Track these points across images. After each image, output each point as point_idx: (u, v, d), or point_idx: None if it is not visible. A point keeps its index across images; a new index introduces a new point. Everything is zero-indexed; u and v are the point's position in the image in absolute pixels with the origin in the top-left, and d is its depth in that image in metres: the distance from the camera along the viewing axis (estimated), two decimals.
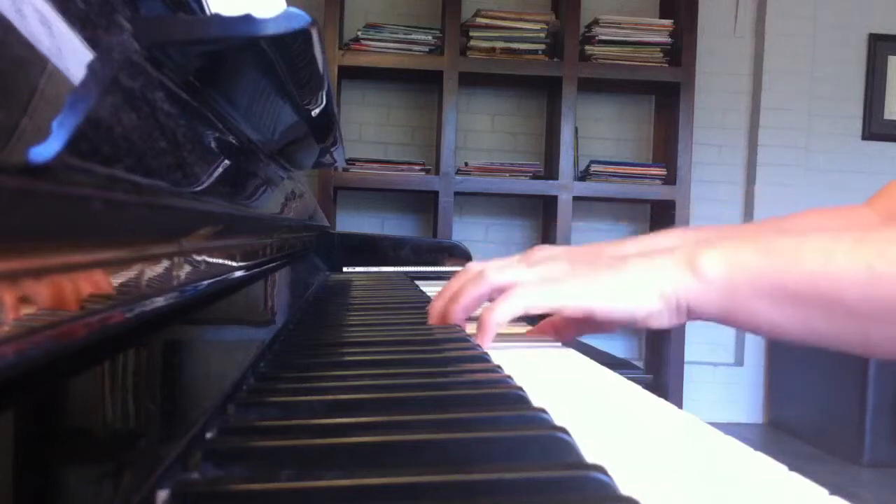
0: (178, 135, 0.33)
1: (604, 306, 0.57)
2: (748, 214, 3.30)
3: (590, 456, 0.29)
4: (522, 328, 0.74)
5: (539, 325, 0.71)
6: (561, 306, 0.58)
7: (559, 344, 0.67)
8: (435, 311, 0.67)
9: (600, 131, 3.30)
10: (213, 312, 0.39)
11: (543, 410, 0.34)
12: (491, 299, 0.63)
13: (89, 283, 0.21)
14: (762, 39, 3.27)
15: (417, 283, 1.22)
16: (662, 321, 0.57)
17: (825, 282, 0.51)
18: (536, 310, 0.59)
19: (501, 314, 0.58)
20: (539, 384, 0.45)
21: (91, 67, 0.24)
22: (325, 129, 0.85)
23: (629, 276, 0.58)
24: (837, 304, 0.51)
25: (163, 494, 0.26)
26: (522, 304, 0.58)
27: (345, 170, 2.89)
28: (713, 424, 0.38)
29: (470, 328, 0.64)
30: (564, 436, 0.30)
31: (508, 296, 0.59)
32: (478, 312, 0.64)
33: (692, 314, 0.57)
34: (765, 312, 0.54)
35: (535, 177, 3.03)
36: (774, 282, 0.53)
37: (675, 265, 0.56)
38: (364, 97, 3.22)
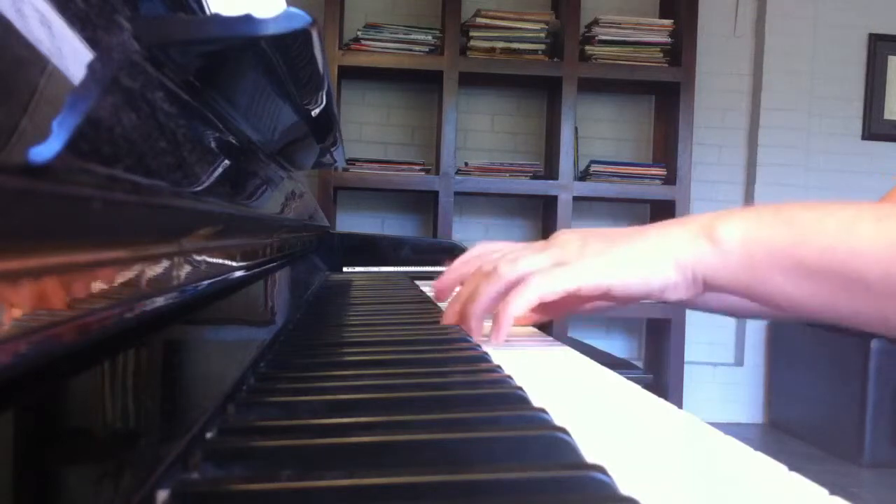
0: (178, 135, 0.33)
1: (619, 280, 0.55)
2: None
3: (590, 456, 0.29)
4: (523, 328, 0.74)
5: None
6: (576, 288, 0.56)
7: (559, 344, 0.67)
8: (451, 311, 0.66)
9: (600, 131, 3.30)
10: (213, 312, 0.39)
11: (543, 410, 0.34)
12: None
13: (89, 283, 0.21)
14: (762, 39, 3.27)
15: (417, 283, 1.22)
16: (679, 293, 0.56)
17: (846, 257, 0.49)
18: (552, 297, 0.57)
19: (517, 307, 0.57)
20: (539, 384, 0.45)
21: (91, 67, 0.24)
22: (325, 129, 0.85)
23: (644, 246, 0.56)
24: (857, 280, 0.49)
25: (163, 494, 0.26)
26: (537, 294, 0.57)
27: (345, 170, 2.89)
28: (713, 424, 0.38)
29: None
30: (564, 436, 0.30)
31: (522, 288, 0.57)
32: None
33: (708, 285, 0.55)
34: (782, 286, 0.52)
35: (535, 177, 3.03)
36: (794, 255, 0.51)
37: (692, 234, 0.55)
38: (364, 97, 3.22)
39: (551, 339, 0.68)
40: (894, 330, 0.51)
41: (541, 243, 0.66)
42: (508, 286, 0.62)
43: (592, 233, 0.64)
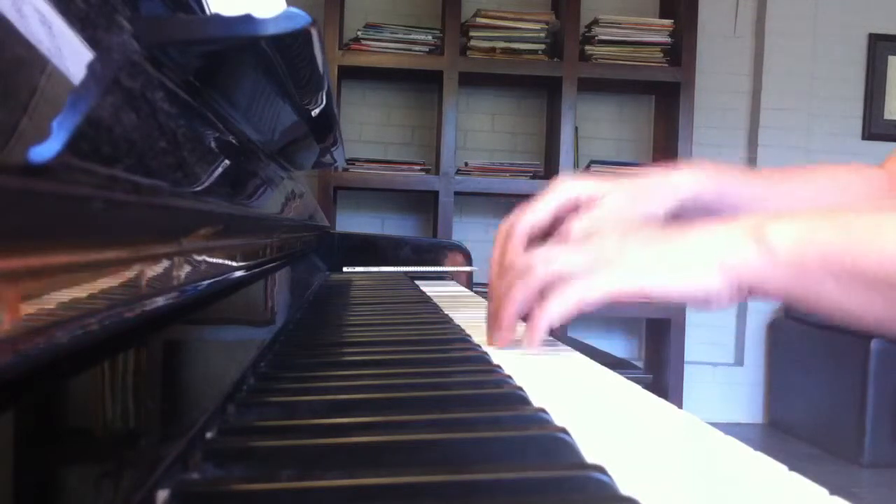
0: (178, 135, 0.33)
1: (660, 286, 0.52)
2: None
3: (590, 456, 0.29)
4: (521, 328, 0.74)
5: None
6: (617, 294, 0.53)
7: (559, 344, 0.67)
8: (490, 314, 0.63)
9: (600, 131, 3.30)
10: (213, 312, 0.39)
11: (543, 410, 0.34)
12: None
13: (89, 283, 0.21)
14: (762, 39, 3.27)
15: (417, 282, 1.22)
16: (722, 302, 0.52)
17: None
18: (591, 305, 0.54)
19: (554, 315, 0.54)
20: (539, 384, 0.45)
21: (91, 67, 0.24)
22: (325, 129, 0.85)
23: (688, 249, 0.52)
24: None
25: (163, 494, 0.26)
26: (576, 303, 0.54)
27: (345, 170, 2.89)
28: (713, 424, 0.38)
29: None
30: (564, 436, 0.30)
31: (560, 294, 0.54)
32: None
33: (753, 292, 0.52)
34: (835, 295, 0.49)
35: (535, 177, 3.03)
36: (850, 263, 0.48)
37: (739, 236, 0.51)
38: (364, 97, 3.22)
39: (551, 338, 0.68)
40: None
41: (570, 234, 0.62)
42: (544, 286, 0.57)
43: (625, 225, 0.59)
